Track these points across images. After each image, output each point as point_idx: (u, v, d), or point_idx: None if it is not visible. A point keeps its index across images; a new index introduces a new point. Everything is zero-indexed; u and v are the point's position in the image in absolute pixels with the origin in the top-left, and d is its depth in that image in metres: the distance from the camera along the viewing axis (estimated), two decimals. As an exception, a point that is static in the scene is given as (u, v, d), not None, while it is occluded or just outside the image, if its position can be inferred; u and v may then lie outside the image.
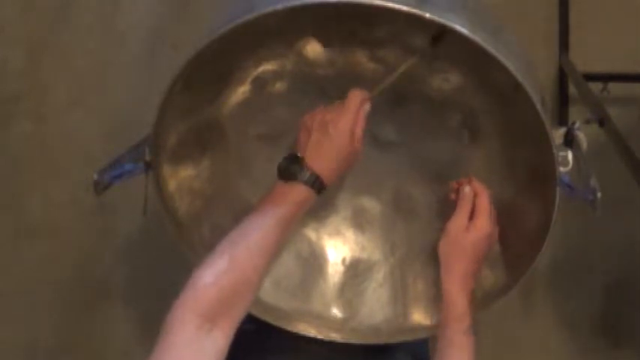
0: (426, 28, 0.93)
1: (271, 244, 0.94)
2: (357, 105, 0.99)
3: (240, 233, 0.93)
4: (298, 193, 0.97)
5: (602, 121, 1.42)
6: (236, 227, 0.94)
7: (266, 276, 0.95)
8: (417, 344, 1.25)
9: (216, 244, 0.93)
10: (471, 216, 1.04)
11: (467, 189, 1.05)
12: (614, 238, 1.86)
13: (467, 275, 1.04)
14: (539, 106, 0.94)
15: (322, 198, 1.17)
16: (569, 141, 1.07)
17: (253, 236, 0.93)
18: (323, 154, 0.98)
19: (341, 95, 1.11)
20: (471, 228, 1.04)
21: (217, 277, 0.89)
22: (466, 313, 1.02)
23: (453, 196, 1.08)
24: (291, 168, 0.97)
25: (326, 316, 1.16)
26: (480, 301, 1.10)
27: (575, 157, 1.02)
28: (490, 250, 1.07)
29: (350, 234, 1.19)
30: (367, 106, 1.01)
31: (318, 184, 0.97)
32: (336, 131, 0.97)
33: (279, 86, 1.10)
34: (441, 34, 0.98)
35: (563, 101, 1.84)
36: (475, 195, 1.05)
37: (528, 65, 1.01)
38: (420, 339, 1.20)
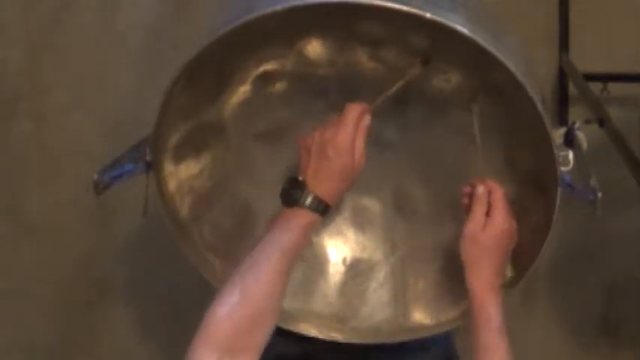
0: (426, 28, 0.93)
1: (280, 272, 0.94)
2: (355, 119, 0.96)
3: (248, 265, 0.93)
4: (302, 217, 0.95)
5: (602, 121, 1.42)
6: (245, 259, 0.94)
7: (283, 300, 0.95)
8: (441, 343, 1.25)
9: (227, 278, 0.93)
10: (487, 214, 1.03)
11: (481, 189, 1.03)
12: (615, 238, 1.86)
13: (493, 273, 1.02)
14: (539, 106, 0.94)
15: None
16: (570, 141, 1.07)
17: (262, 268, 0.93)
18: (324, 175, 0.96)
19: (341, 95, 1.11)
20: (489, 225, 1.02)
21: (230, 311, 0.90)
22: (496, 313, 1.01)
23: (466, 200, 1.06)
24: (292, 193, 0.96)
25: (327, 316, 1.16)
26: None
27: (575, 157, 1.02)
28: (512, 244, 1.05)
29: (351, 234, 1.19)
30: (367, 119, 0.98)
31: (321, 207, 0.96)
32: (336, 150, 0.95)
33: (280, 86, 1.10)
34: (429, 57, 0.99)
35: (563, 101, 1.83)
36: (489, 192, 1.03)
37: (528, 65, 1.01)
38: (443, 339, 1.20)
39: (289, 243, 0.94)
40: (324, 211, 0.97)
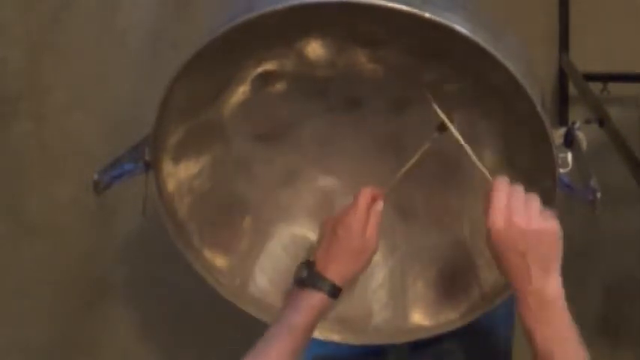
0: (426, 28, 0.93)
1: (289, 351, 0.96)
2: (366, 203, 0.99)
3: (260, 345, 0.96)
4: (311, 299, 0.98)
5: (602, 121, 1.43)
6: (259, 339, 0.96)
7: None
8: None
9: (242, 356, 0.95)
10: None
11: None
12: (614, 239, 1.86)
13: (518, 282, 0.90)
14: (539, 107, 0.94)
15: (321, 199, 1.17)
16: (569, 141, 1.07)
17: (272, 347, 0.95)
18: (334, 255, 0.98)
19: (340, 95, 1.11)
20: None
21: None
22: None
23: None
24: (302, 274, 0.99)
25: (325, 317, 1.16)
26: (480, 301, 1.10)
27: (575, 157, 1.02)
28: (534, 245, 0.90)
29: (350, 234, 1.19)
30: (380, 205, 1.01)
31: (330, 289, 0.98)
32: (346, 230, 0.98)
33: (280, 86, 1.10)
34: (444, 126, 1.00)
35: (563, 101, 1.84)
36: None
37: (528, 65, 1.00)
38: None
39: (298, 323, 0.97)
40: (333, 292, 0.99)
